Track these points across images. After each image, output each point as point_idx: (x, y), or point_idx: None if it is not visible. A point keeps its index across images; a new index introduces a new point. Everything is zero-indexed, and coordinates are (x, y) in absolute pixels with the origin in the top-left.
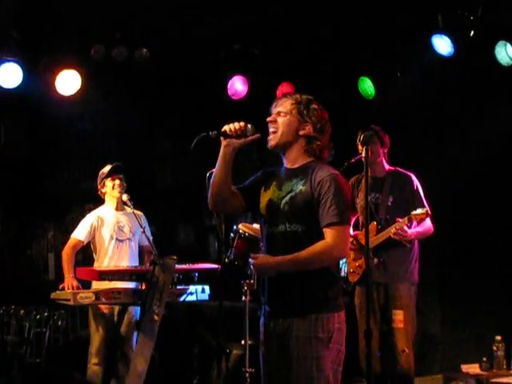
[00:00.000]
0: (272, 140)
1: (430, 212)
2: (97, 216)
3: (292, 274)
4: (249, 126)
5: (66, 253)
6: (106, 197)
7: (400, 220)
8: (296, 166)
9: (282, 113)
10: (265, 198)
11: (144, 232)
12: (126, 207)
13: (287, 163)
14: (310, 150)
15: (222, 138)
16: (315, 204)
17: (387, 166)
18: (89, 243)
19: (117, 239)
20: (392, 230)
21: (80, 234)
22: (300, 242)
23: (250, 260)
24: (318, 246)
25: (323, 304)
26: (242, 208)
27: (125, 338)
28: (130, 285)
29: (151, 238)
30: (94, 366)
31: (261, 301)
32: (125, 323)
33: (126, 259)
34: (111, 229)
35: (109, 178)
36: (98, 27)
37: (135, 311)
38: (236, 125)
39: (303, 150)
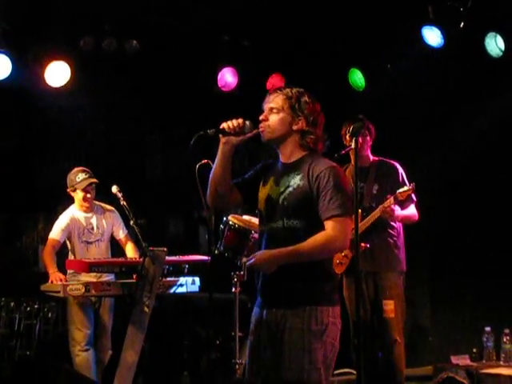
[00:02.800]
0: (265, 136)
1: (414, 197)
2: (71, 216)
3: (288, 266)
4: (247, 122)
5: (47, 252)
6: (76, 200)
7: (389, 196)
8: (291, 160)
9: (275, 109)
10: (263, 193)
11: (134, 223)
12: (96, 203)
13: (283, 158)
14: (304, 144)
15: (220, 136)
16: (315, 198)
17: (372, 157)
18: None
19: (86, 242)
20: (380, 208)
21: (57, 234)
22: (299, 237)
23: (249, 260)
24: (320, 237)
25: (318, 297)
26: (240, 203)
27: (103, 330)
28: (107, 277)
29: (125, 231)
30: (80, 352)
31: (255, 292)
32: (103, 316)
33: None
34: (81, 232)
35: (81, 189)
36: (88, 18)
37: (111, 303)
38: (234, 122)
39: (297, 145)
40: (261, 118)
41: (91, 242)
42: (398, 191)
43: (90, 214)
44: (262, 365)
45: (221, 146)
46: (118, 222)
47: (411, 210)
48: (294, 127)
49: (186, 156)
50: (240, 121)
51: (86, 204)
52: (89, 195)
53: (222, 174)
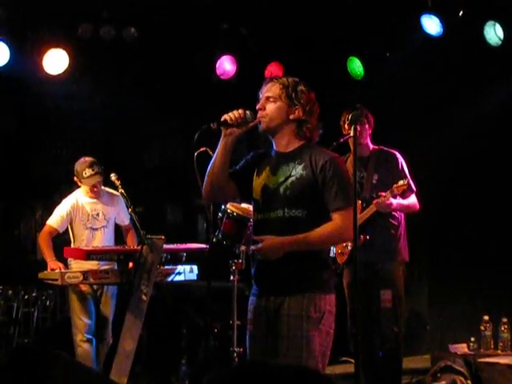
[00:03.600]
0: (263, 125)
1: (413, 187)
2: (73, 203)
3: (287, 254)
4: (247, 112)
5: (43, 238)
6: (82, 187)
7: (383, 194)
8: (288, 149)
9: (272, 98)
10: (258, 182)
11: (132, 211)
12: (104, 189)
13: (278, 147)
14: (300, 133)
15: (222, 128)
16: (320, 188)
17: (371, 146)
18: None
19: (91, 228)
20: (375, 203)
21: (55, 222)
22: (299, 226)
23: (253, 246)
24: (329, 227)
25: (316, 284)
26: (234, 195)
27: (105, 320)
28: (104, 266)
29: (128, 217)
30: (81, 343)
31: (252, 280)
32: (105, 305)
33: (100, 246)
34: (86, 218)
35: (88, 180)
36: (86, 6)
37: (113, 291)
38: (235, 113)
39: (294, 134)
40: (258, 107)
41: (97, 229)
42: (394, 185)
43: (96, 200)
44: (263, 354)
45: (223, 139)
46: (124, 208)
47: (411, 200)
48: (291, 116)
49: (185, 144)
50: (241, 111)
51: (93, 194)
52: (95, 189)
53: (222, 166)
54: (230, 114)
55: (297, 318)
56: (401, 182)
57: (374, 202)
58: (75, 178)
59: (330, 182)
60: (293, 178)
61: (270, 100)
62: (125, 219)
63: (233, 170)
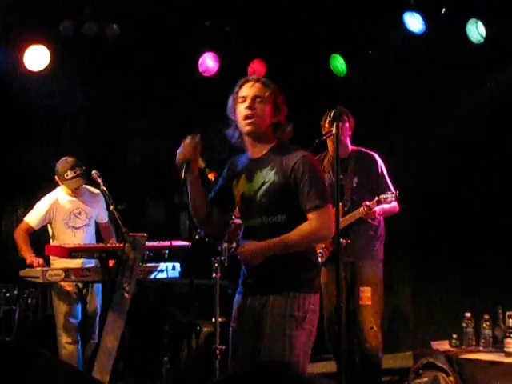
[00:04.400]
0: (251, 125)
1: (392, 189)
2: (53, 202)
3: (273, 255)
4: (191, 139)
5: (21, 235)
6: (63, 186)
7: (368, 203)
8: (260, 154)
9: (261, 99)
10: (237, 191)
11: (114, 208)
12: (85, 187)
13: (252, 153)
14: (276, 136)
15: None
16: (293, 190)
17: (350, 146)
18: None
19: (73, 227)
20: (361, 211)
21: (33, 220)
22: (281, 231)
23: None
24: (305, 227)
25: (301, 283)
26: (227, 217)
27: (90, 318)
28: (89, 263)
29: (107, 215)
30: (67, 345)
31: (237, 278)
32: (90, 303)
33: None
34: (67, 217)
35: (69, 183)
36: (68, 2)
37: (98, 289)
38: (187, 147)
39: (267, 137)
40: (247, 106)
41: (78, 228)
42: (381, 196)
43: (77, 199)
44: (246, 353)
45: (188, 179)
46: (104, 207)
47: (392, 204)
48: (273, 120)
49: (167, 142)
50: (188, 141)
51: (74, 194)
52: (77, 191)
53: (199, 201)
54: (181, 152)
55: (280, 316)
56: (388, 195)
57: (360, 210)
58: (56, 178)
59: (302, 183)
60: (266, 185)
61: (260, 101)
62: (104, 217)
63: (212, 195)
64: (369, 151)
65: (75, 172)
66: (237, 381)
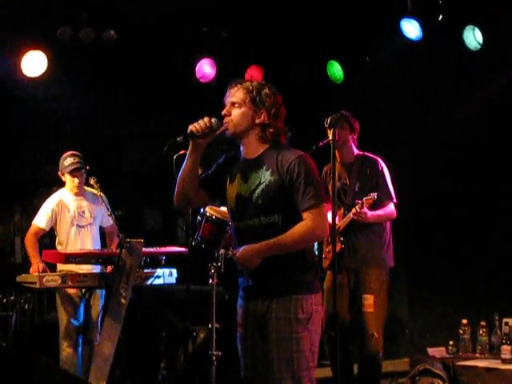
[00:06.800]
0: (229, 130)
1: (393, 195)
2: (57, 201)
3: (271, 258)
4: (213, 120)
5: (29, 239)
6: (67, 183)
7: (359, 202)
8: (255, 155)
9: (236, 103)
10: (231, 190)
11: (111, 214)
12: (87, 189)
13: (246, 153)
14: (264, 137)
15: (190, 140)
16: (289, 191)
17: (356, 151)
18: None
19: (77, 225)
20: (352, 213)
21: (41, 221)
22: (278, 231)
23: (232, 256)
24: (300, 228)
25: (302, 285)
26: (206, 201)
27: (93, 322)
28: (96, 268)
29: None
30: (67, 348)
31: (233, 284)
32: (93, 307)
33: (88, 244)
34: (71, 215)
35: (68, 173)
36: (65, 8)
37: (101, 293)
38: (201, 123)
39: (259, 138)
40: (223, 113)
41: (83, 226)
42: (364, 198)
43: (80, 198)
44: (255, 356)
45: (191, 149)
46: (105, 210)
47: (388, 209)
48: (257, 121)
49: (161, 145)
50: (206, 120)
51: (75, 190)
52: (76, 180)
53: (191, 176)
54: (196, 124)
55: (285, 320)
56: (369, 197)
57: (352, 211)
58: (59, 173)
59: (297, 183)
60: (262, 186)
61: (235, 106)
62: (109, 220)
63: (204, 176)
64: (373, 156)
65: (74, 159)
66: None
